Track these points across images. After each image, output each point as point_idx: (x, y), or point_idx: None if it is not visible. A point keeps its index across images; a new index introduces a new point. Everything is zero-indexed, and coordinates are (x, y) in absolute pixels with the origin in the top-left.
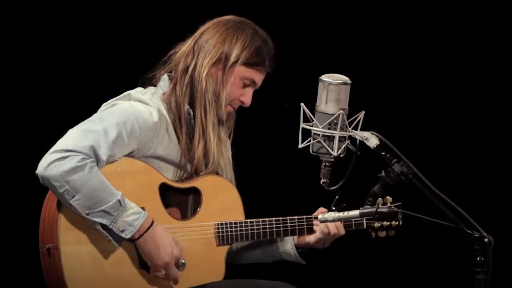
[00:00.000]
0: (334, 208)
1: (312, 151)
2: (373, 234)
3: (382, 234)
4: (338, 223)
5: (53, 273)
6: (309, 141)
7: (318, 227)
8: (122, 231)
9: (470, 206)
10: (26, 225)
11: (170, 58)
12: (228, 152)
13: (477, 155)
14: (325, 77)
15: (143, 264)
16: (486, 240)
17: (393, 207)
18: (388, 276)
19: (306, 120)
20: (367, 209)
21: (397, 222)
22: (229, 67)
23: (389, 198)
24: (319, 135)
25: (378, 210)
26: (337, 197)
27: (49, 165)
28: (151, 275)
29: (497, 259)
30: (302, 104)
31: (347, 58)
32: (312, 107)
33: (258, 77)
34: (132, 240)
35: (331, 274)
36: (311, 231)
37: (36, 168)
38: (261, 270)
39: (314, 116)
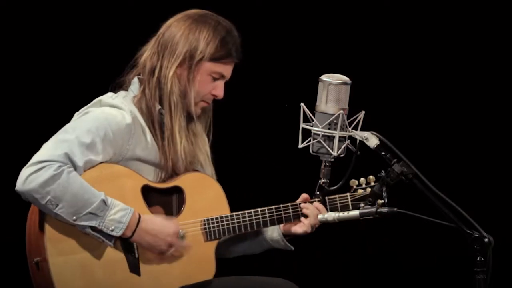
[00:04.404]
0: (318, 193)
1: (312, 151)
2: None
3: None
4: (321, 206)
5: (44, 286)
6: (309, 141)
7: (311, 212)
8: (112, 230)
9: (470, 206)
10: (14, 240)
11: (136, 61)
12: (206, 146)
13: (477, 155)
14: (325, 77)
15: (133, 267)
16: (486, 240)
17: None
18: (388, 276)
19: (306, 120)
20: (367, 209)
21: (383, 200)
22: (195, 65)
23: (371, 178)
24: (319, 135)
25: (378, 210)
26: (319, 182)
27: (27, 179)
28: (142, 277)
29: (497, 259)
30: (302, 104)
31: (347, 58)
32: (312, 107)
33: (226, 70)
34: (125, 240)
35: (331, 273)
36: (298, 217)
37: (15, 184)
38: (259, 267)
39: (314, 116)
